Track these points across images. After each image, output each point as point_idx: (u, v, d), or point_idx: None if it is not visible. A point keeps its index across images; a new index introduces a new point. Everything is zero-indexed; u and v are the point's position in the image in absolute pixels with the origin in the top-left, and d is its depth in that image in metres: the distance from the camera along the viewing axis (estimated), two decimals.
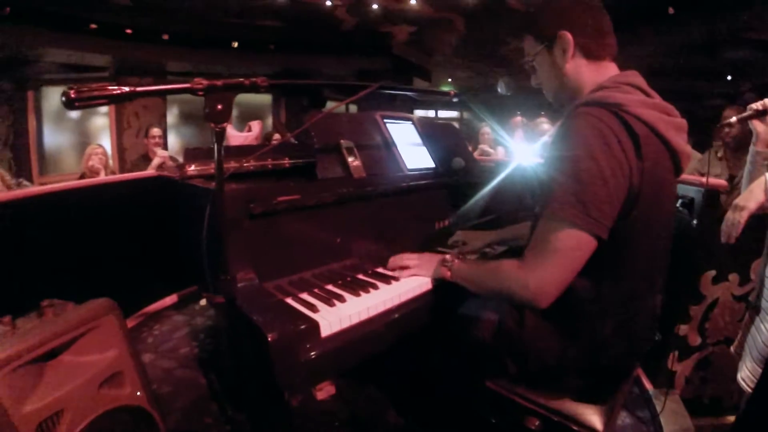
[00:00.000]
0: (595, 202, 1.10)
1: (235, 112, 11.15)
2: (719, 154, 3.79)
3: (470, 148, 5.67)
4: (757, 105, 2.10)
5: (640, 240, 1.21)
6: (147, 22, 8.60)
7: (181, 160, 5.39)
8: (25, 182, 5.03)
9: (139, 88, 1.03)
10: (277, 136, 5.87)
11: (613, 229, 1.13)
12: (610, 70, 1.34)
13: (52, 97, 8.70)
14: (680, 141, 1.24)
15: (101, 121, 9.12)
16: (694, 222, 2.18)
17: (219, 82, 1.09)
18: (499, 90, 2.06)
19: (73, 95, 0.92)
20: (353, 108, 9.58)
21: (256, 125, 4.90)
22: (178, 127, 10.50)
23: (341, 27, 10.04)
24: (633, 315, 1.28)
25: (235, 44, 9.91)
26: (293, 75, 11.15)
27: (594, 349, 1.26)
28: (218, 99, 1.08)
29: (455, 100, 2.25)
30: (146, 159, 5.19)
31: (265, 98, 11.80)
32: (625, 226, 1.16)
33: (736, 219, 1.72)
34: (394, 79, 11.52)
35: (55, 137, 8.77)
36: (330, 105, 12.96)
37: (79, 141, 8.90)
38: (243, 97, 11.50)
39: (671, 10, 8.16)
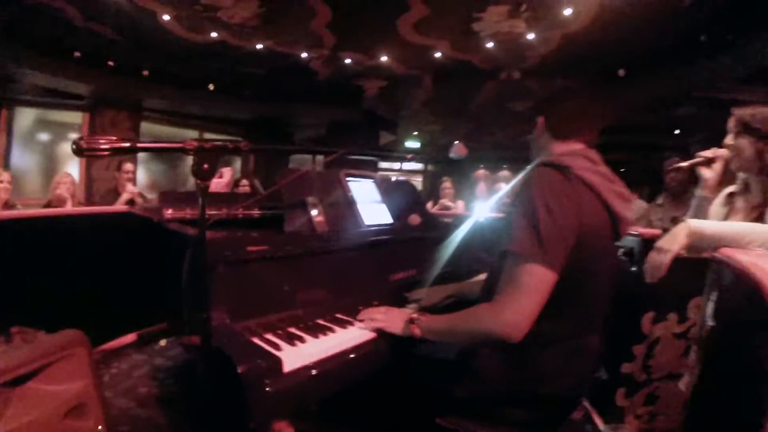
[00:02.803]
0: (551, 242, 1.27)
1: None
2: (659, 201, 4.11)
3: (431, 202, 5.84)
4: (706, 153, 2.31)
5: (579, 283, 1.36)
6: (129, 56, 8.66)
7: (149, 196, 5.32)
8: None
9: (139, 144, 1.14)
10: (245, 181, 5.90)
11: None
12: (574, 147, 1.55)
13: (25, 117, 8.65)
14: (621, 207, 1.45)
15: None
16: (634, 268, 2.30)
17: (208, 145, 1.20)
18: (450, 155, 2.22)
19: (83, 145, 1.02)
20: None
21: (227, 172, 4.95)
22: (148, 162, 10.45)
23: (316, 78, 10.26)
24: (574, 350, 1.41)
25: (212, 87, 9.99)
26: (268, 122, 11.22)
27: (538, 381, 1.39)
28: (205, 159, 1.18)
29: (410, 161, 2.39)
30: (116, 193, 5.05)
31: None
32: (567, 270, 1.31)
33: (660, 260, 1.83)
34: (362, 131, 11.71)
35: (23, 159, 8.65)
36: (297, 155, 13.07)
37: (48, 166, 8.80)
38: (211, 137, 11.52)
39: (621, 73, 8.79)
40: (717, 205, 2.36)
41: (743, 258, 1.33)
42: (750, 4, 6.42)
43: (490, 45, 8.60)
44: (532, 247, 1.28)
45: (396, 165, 15.89)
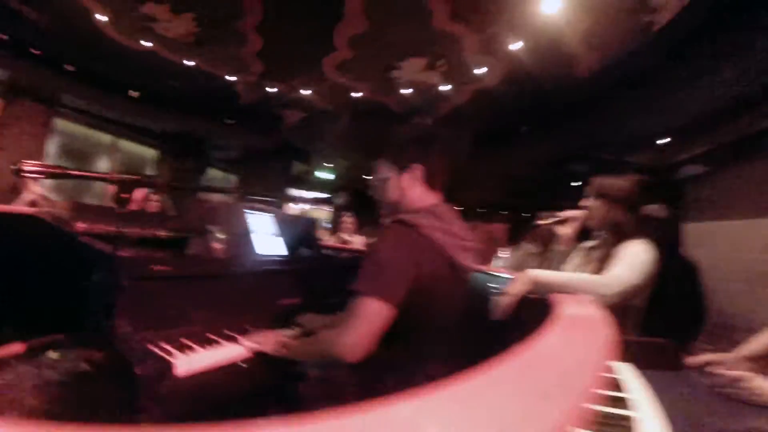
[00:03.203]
0: (388, 282, 1.53)
1: (118, 161, 10.70)
2: (533, 250, 4.52)
3: (331, 235, 6.03)
4: (562, 214, 2.70)
5: (420, 318, 1.62)
6: (55, 48, 8.37)
7: (54, 198, 5.11)
8: None
9: (70, 171, 1.37)
10: (154, 197, 5.83)
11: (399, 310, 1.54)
12: (431, 197, 1.82)
13: None
14: (462, 258, 1.72)
15: None
16: None
17: (129, 179, 1.45)
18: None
19: (23, 168, 1.24)
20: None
21: (139, 193, 4.95)
22: (57, 162, 9.86)
23: (238, 101, 10.33)
24: (416, 374, 1.61)
25: (136, 94, 9.76)
26: (185, 137, 11.09)
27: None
28: (125, 189, 1.43)
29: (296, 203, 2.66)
30: (16, 191, 4.69)
31: (150, 151, 11.60)
32: (408, 308, 1.55)
33: (504, 302, 2.07)
34: (276, 158, 11.81)
35: None
36: (213, 172, 12.88)
37: None
38: (128, 146, 11.24)
39: (524, 129, 9.43)
40: (578, 256, 2.67)
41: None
42: (642, 81, 7.22)
43: (406, 92, 9.11)
44: (371, 286, 1.51)
45: (306, 194, 16.09)
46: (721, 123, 6.68)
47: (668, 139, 8.76)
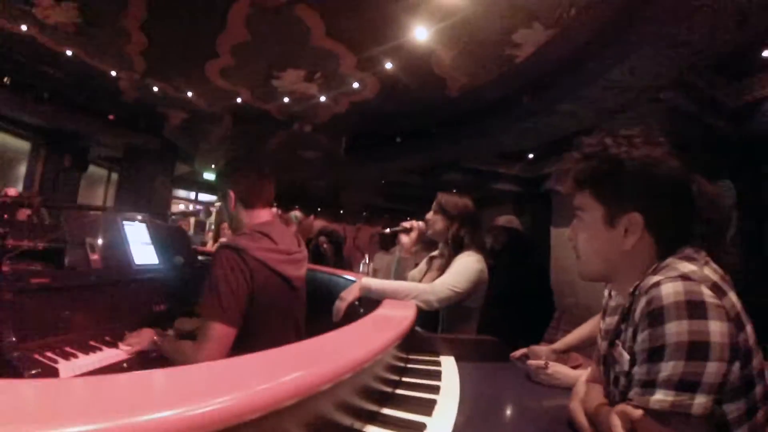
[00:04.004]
0: (228, 306, 1.74)
1: None
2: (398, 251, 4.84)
3: (212, 241, 6.01)
4: (405, 224, 2.87)
5: (263, 326, 1.85)
6: None
7: None
8: None
9: None
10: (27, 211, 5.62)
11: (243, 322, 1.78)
12: (262, 214, 2.08)
13: None
14: (291, 270, 1.98)
15: None
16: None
17: (6, 201, 1.62)
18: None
19: None
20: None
21: (12, 192, 4.86)
22: None
23: (121, 98, 9.93)
24: None
25: (7, 80, 8.88)
26: (63, 133, 10.46)
27: None
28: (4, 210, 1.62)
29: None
30: None
31: (23, 145, 10.74)
32: (249, 320, 1.80)
33: (339, 306, 2.21)
34: (159, 158, 11.51)
35: None
36: (93, 168, 12.23)
37: None
38: None
39: (399, 139, 9.85)
40: (422, 264, 2.96)
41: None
42: (506, 105, 7.84)
43: (286, 99, 9.25)
44: (214, 311, 1.74)
45: (192, 195, 15.78)
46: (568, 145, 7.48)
47: (532, 156, 9.64)
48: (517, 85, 7.34)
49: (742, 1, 4.04)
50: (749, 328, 0.99)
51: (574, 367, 1.74)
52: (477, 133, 8.53)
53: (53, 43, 8.09)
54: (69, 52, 8.34)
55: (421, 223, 2.85)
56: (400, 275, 2.85)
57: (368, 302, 2.21)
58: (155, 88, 9.45)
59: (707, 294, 0.94)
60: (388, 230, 3.07)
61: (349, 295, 2.26)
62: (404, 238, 2.90)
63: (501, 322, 2.94)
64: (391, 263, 5.21)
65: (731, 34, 4.55)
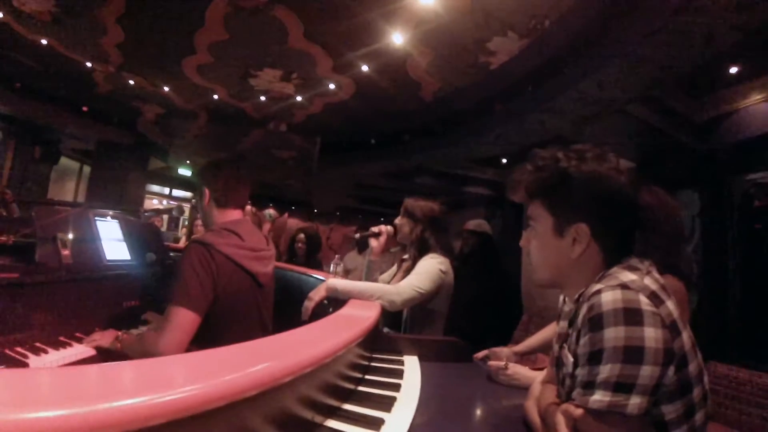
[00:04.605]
0: (193, 294, 1.80)
1: None
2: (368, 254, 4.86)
3: (185, 237, 6.05)
4: (374, 228, 2.95)
5: (229, 318, 1.92)
6: None
7: None
8: None
9: None
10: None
11: (207, 314, 1.83)
12: (233, 215, 2.15)
13: None
14: (256, 266, 2.04)
15: None
16: None
17: None
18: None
19: None
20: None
21: None
22: None
23: (95, 90, 9.82)
24: None
25: None
26: (33, 125, 10.24)
27: None
28: None
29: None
30: None
31: None
32: (216, 311, 1.86)
33: (307, 305, 2.31)
34: (133, 153, 11.39)
35: None
36: (64, 161, 12.01)
37: None
38: None
39: (373, 141, 9.92)
40: (394, 267, 3.04)
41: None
42: (478, 112, 7.97)
43: (262, 98, 9.31)
44: (179, 297, 1.79)
45: (166, 191, 15.62)
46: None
47: (505, 161, 9.73)
48: (490, 93, 7.50)
49: (708, 20, 4.18)
50: (685, 335, 1.06)
51: (540, 369, 1.77)
52: (449, 139, 8.66)
53: (27, 32, 7.99)
54: (44, 41, 8.23)
55: (390, 228, 2.95)
56: (370, 277, 2.93)
57: (337, 302, 2.25)
58: (131, 82, 9.39)
59: (644, 302, 1.01)
60: (358, 235, 3.13)
61: (316, 295, 2.34)
62: (374, 242, 2.98)
63: (469, 324, 3.03)
64: (361, 264, 5.30)
65: (696, 52, 4.71)
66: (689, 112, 6.24)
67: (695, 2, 3.97)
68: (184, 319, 1.78)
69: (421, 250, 2.68)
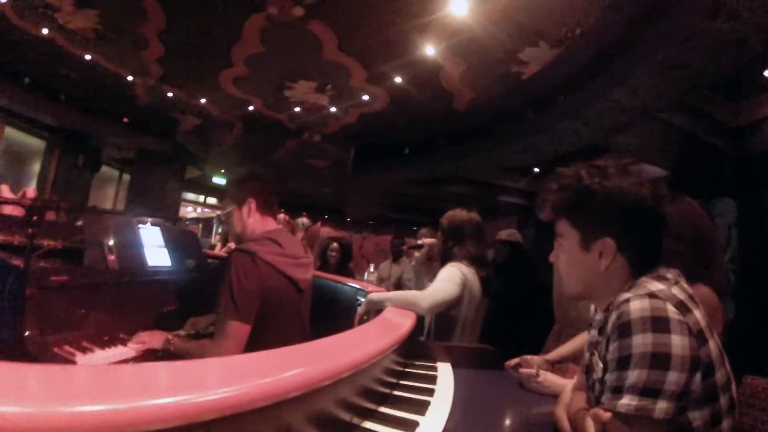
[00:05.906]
0: (242, 305, 1.83)
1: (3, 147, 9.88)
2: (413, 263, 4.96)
3: (220, 244, 6.13)
4: (418, 241, 3.13)
5: (273, 324, 1.94)
6: None
7: None
8: None
9: None
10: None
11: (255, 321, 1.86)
12: (271, 223, 2.18)
13: None
14: (298, 273, 2.08)
15: None
16: None
17: (38, 205, 1.72)
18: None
19: None
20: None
21: (30, 192, 4.87)
22: None
23: (135, 101, 10.13)
24: None
25: (27, 80, 9.07)
26: (77, 133, 10.58)
27: None
28: (32, 212, 1.70)
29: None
30: None
31: (38, 143, 10.86)
32: (261, 318, 1.88)
33: (356, 320, 2.41)
34: (171, 162, 11.64)
35: None
36: (104, 169, 12.34)
37: None
38: (13, 134, 10.51)
39: (407, 150, 9.97)
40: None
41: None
42: (510, 121, 7.90)
43: (297, 109, 9.45)
44: (229, 309, 1.82)
45: (201, 198, 15.89)
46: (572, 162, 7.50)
47: (537, 170, 9.63)
48: (522, 102, 7.47)
49: (741, 26, 4.13)
50: (712, 343, 1.07)
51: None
52: (482, 147, 8.65)
53: (72, 47, 8.29)
54: (88, 57, 8.54)
55: (432, 241, 3.04)
56: (419, 283, 3.06)
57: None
58: (170, 94, 9.66)
59: (671, 311, 1.03)
60: (405, 247, 3.22)
61: (361, 309, 2.44)
62: (416, 253, 3.15)
63: (501, 333, 3.04)
64: (398, 273, 5.34)
65: (730, 57, 4.63)
66: (725, 118, 6.10)
67: (728, 7, 3.92)
68: (235, 331, 1.84)
69: (443, 260, 2.72)
